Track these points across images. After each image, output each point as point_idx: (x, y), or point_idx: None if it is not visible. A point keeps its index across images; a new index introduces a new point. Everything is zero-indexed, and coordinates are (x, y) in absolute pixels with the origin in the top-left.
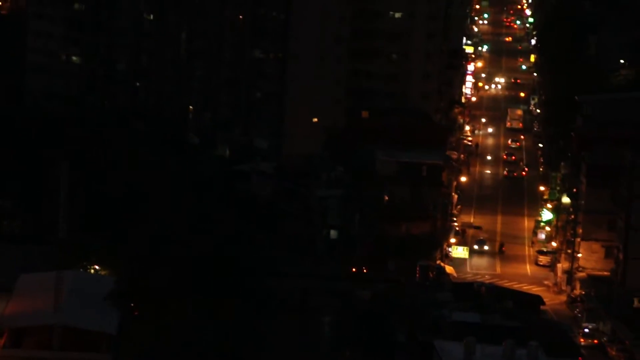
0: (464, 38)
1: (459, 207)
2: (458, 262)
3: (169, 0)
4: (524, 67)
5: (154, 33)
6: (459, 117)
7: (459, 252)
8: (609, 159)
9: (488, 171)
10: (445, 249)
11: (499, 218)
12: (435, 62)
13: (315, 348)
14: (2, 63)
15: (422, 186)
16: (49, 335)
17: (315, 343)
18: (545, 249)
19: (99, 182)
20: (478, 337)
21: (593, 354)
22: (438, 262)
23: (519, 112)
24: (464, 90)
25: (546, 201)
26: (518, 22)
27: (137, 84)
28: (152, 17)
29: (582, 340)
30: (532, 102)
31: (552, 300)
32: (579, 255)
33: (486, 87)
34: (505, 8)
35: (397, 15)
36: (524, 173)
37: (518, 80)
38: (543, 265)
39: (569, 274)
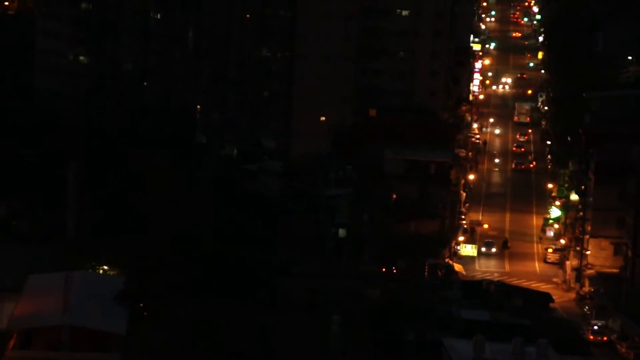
0: (471, 36)
1: (467, 205)
2: (467, 260)
3: None
4: (531, 64)
5: (161, 32)
6: (467, 114)
7: (468, 250)
8: (618, 156)
9: (496, 169)
10: (454, 247)
11: (508, 216)
12: (443, 60)
13: (325, 347)
14: (10, 63)
15: (430, 184)
16: (58, 336)
17: (324, 342)
18: (553, 247)
19: (106, 182)
20: (487, 335)
21: (602, 352)
22: (447, 260)
23: (527, 106)
24: (471, 87)
25: (554, 198)
26: (525, 19)
27: (145, 83)
28: (159, 16)
29: (591, 337)
30: (540, 99)
31: (561, 297)
32: (588, 252)
33: (494, 87)
34: (512, 5)
35: (404, 13)
36: (532, 165)
37: (524, 75)
38: (552, 263)
39: (578, 271)
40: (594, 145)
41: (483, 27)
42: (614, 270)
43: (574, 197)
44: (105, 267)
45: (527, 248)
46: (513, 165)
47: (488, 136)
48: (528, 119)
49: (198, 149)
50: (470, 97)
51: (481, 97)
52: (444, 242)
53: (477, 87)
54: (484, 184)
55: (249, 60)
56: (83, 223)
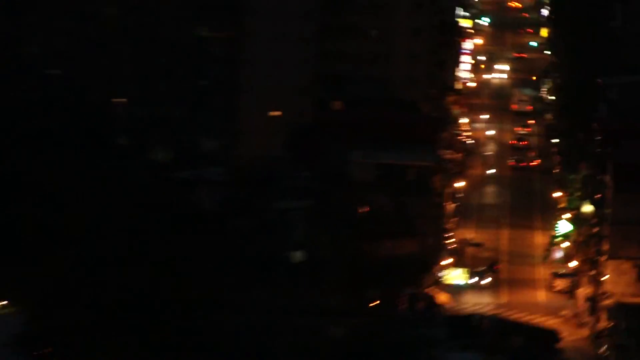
0: (459, 9)
1: (455, 219)
2: (454, 289)
3: None
4: (534, 43)
5: (73, 7)
6: (454, 107)
7: (455, 276)
8: None
9: (491, 174)
10: (438, 272)
11: (505, 232)
12: (424, 39)
13: None
14: None
15: (408, 194)
16: None
17: None
18: (562, 271)
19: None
20: None
21: None
22: (429, 289)
23: (529, 93)
24: (459, 73)
25: (563, 210)
26: None
27: (51, 72)
28: None
29: None
30: (544, 87)
31: (571, 335)
32: (605, 277)
33: (487, 73)
34: None
35: None
36: (534, 163)
37: (524, 55)
38: (560, 291)
39: (593, 301)
40: (612, 144)
41: None
42: (637, 300)
43: (587, 208)
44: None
45: (529, 273)
46: (512, 162)
47: (480, 133)
48: (530, 107)
49: (118, 152)
50: (459, 86)
51: (472, 85)
52: (426, 266)
53: (466, 72)
54: (475, 192)
55: (184, 41)
56: None
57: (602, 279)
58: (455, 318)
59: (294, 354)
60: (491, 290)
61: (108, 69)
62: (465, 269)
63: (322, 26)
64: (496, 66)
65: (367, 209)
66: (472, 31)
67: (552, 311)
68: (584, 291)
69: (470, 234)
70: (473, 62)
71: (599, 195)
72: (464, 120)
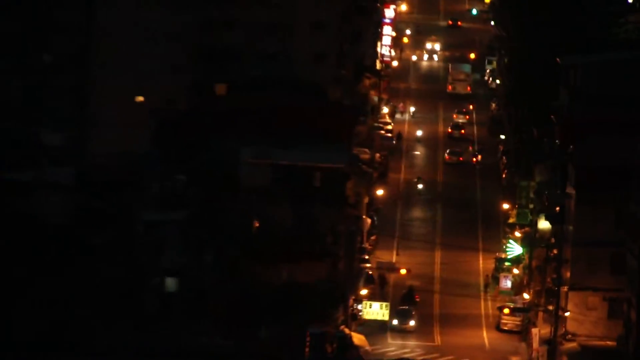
0: None
1: (373, 237)
2: (373, 328)
3: None
4: (474, 10)
5: None
6: (372, 92)
7: (374, 310)
8: (612, 157)
9: (419, 179)
10: (353, 305)
11: (438, 255)
12: (334, 4)
13: None
14: None
15: (313, 204)
16: None
17: None
18: (512, 305)
19: None
20: None
21: None
22: (341, 327)
23: (467, 70)
24: (379, 50)
25: (512, 227)
26: None
27: None
28: None
29: None
30: (489, 68)
31: None
32: (567, 314)
33: (413, 57)
34: None
35: None
36: (475, 160)
37: (459, 23)
38: (509, 331)
39: (551, 344)
40: (575, 141)
41: None
42: (609, 343)
43: (543, 224)
44: None
45: (470, 307)
46: (446, 157)
47: (406, 126)
48: (468, 88)
49: None
50: (378, 65)
51: (395, 64)
52: (337, 298)
53: (388, 48)
54: (400, 203)
55: (19, 4)
56: None
57: (564, 315)
58: None
59: None
60: (420, 329)
61: None
62: (387, 303)
63: None
64: (426, 40)
65: (260, 223)
66: None
67: (500, 356)
68: (539, 331)
69: (392, 257)
70: (396, 34)
71: (558, 208)
72: (385, 110)
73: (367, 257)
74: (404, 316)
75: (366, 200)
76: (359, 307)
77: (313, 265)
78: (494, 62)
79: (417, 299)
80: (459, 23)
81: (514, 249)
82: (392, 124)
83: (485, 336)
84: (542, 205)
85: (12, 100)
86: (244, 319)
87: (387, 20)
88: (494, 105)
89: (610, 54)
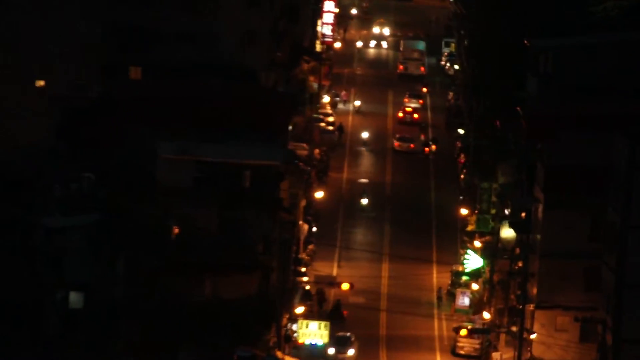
0: None
1: (311, 246)
2: (309, 352)
3: None
4: None
5: None
6: (311, 78)
7: (312, 331)
8: (587, 155)
9: (364, 180)
10: (287, 325)
11: (386, 268)
12: None
13: None
14: None
15: (242, 208)
16: None
17: None
18: (470, 325)
19: None
20: None
21: None
22: (273, 350)
23: (420, 49)
24: (319, 29)
25: (471, 235)
26: None
27: None
28: None
29: None
30: (446, 51)
31: None
32: (533, 336)
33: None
34: None
35: None
36: (428, 150)
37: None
38: (466, 356)
39: None
40: (544, 137)
41: None
42: None
43: (506, 233)
44: None
45: (422, 328)
46: (395, 144)
47: (350, 118)
48: (422, 68)
49: None
50: (318, 47)
51: (338, 45)
52: (268, 316)
53: (329, 27)
54: (341, 207)
55: None
56: None
57: (529, 338)
58: None
59: None
60: (364, 352)
61: None
62: (326, 322)
63: None
64: (374, 23)
65: (181, 229)
66: None
67: None
68: (501, 356)
69: (333, 270)
70: (338, 11)
71: (523, 214)
72: (326, 99)
73: (303, 269)
74: (341, 344)
75: (303, 203)
76: (294, 327)
77: (241, 278)
78: (452, 45)
79: (345, 314)
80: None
81: (473, 261)
82: (334, 115)
83: None
84: (506, 210)
85: None
86: (161, 340)
87: None
88: (451, 94)
89: (586, 36)
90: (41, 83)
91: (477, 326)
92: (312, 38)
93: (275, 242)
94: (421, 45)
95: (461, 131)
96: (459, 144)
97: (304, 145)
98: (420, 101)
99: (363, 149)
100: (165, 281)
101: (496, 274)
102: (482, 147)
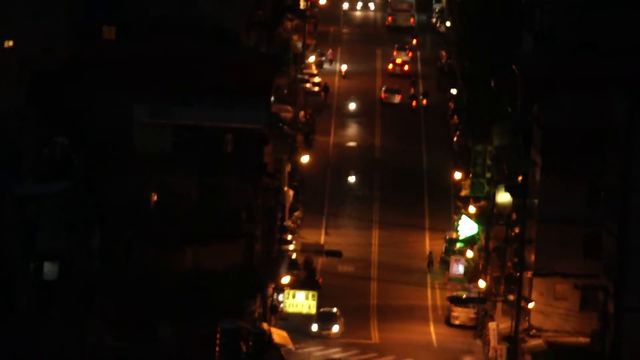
0: None
1: (297, 213)
2: (298, 322)
3: None
4: None
5: None
6: (295, 37)
7: (299, 301)
8: (586, 116)
9: (352, 143)
10: (273, 296)
11: (376, 235)
12: None
13: None
14: None
15: (224, 174)
16: None
17: None
18: (464, 294)
19: None
20: None
21: None
22: (259, 322)
23: (409, 0)
24: None
25: (466, 201)
26: None
27: None
28: None
29: None
30: (437, 7)
31: None
32: (531, 305)
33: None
34: None
35: None
36: (416, 103)
37: None
38: (461, 326)
39: (512, 341)
40: (541, 98)
41: None
42: (581, 340)
43: (502, 197)
44: None
45: (414, 297)
46: (382, 96)
47: (336, 79)
48: (412, 20)
49: None
50: (302, 4)
51: (323, 2)
52: (253, 287)
53: None
54: (328, 171)
55: None
56: None
57: (527, 307)
58: None
59: None
60: (354, 323)
61: None
62: (314, 292)
63: None
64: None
65: (159, 197)
66: None
67: (451, 356)
68: (497, 326)
69: (321, 237)
70: None
71: (520, 178)
72: (311, 59)
73: (289, 237)
74: (325, 320)
75: (288, 168)
76: (280, 297)
77: (224, 248)
78: (443, 1)
79: (320, 282)
80: None
81: (468, 228)
82: (320, 75)
83: (433, 332)
84: (501, 174)
85: None
86: (140, 314)
87: None
88: (443, 53)
89: None
90: (9, 44)
91: (472, 295)
92: None
93: (259, 209)
94: None
95: (454, 91)
96: (451, 105)
97: (289, 107)
98: (410, 53)
99: (350, 120)
100: (143, 252)
101: (492, 241)
102: (475, 108)
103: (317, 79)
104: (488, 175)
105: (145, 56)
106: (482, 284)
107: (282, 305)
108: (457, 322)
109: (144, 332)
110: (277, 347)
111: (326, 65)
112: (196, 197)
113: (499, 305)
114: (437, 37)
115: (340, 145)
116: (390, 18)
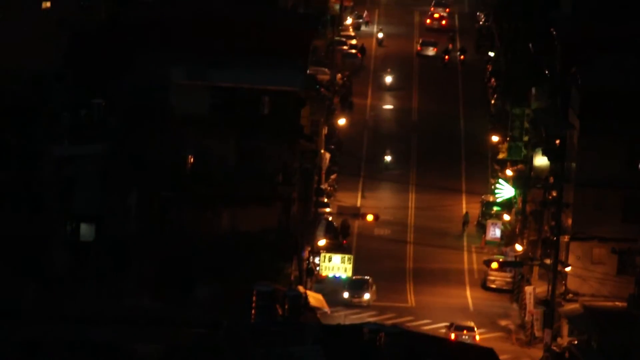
0: None
1: (333, 176)
2: (333, 286)
3: None
4: None
5: None
6: (332, 0)
7: (335, 264)
8: (625, 79)
9: (389, 106)
10: (309, 259)
11: (412, 198)
12: None
13: None
14: None
15: (261, 136)
16: None
17: None
18: (501, 258)
19: None
20: None
21: None
22: (294, 286)
23: None
24: None
25: (503, 164)
26: None
27: None
28: None
29: None
30: None
31: (516, 357)
32: (568, 269)
33: None
34: None
35: None
36: (448, 57)
37: None
38: (497, 290)
39: (549, 305)
40: (579, 60)
41: None
42: (617, 304)
43: (540, 161)
44: None
45: (451, 261)
46: (418, 48)
47: (374, 41)
48: None
49: None
50: None
51: None
52: (289, 249)
53: None
54: (365, 133)
55: None
56: None
57: (564, 270)
58: (334, 330)
59: None
60: (390, 287)
61: None
62: (350, 255)
63: None
64: None
65: (196, 159)
66: None
67: (487, 320)
68: (534, 290)
69: (357, 201)
70: None
71: (558, 142)
72: (348, 21)
73: (326, 200)
74: (356, 288)
75: (325, 131)
76: (316, 260)
77: (260, 210)
78: None
79: (344, 243)
80: None
81: (505, 191)
82: (357, 37)
83: (469, 295)
84: (539, 137)
85: None
86: (177, 275)
87: None
88: (481, 15)
89: None
90: (47, 5)
91: (509, 259)
92: None
93: (295, 172)
94: None
95: (492, 54)
96: (489, 68)
97: (326, 69)
98: (447, 9)
99: (388, 82)
100: (180, 213)
101: (529, 204)
102: (514, 71)
103: (354, 41)
104: (525, 138)
105: (182, 17)
106: (518, 247)
107: (318, 268)
108: (493, 286)
109: (180, 294)
110: (313, 309)
111: (363, 27)
112: (233, 159)
113: (536, 269)
114: (473, 3)
115: (378, 106)
116: None
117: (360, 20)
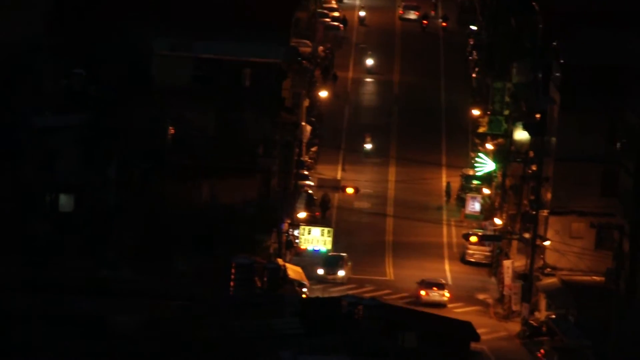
0: None
1: (314, 149)
2: (312, 259)
3: None
4: None
5: None
6: None
7: (314, 237)
8: (606, 53)
9: (369, 78)
10: (288, 231)
11: (392, 171)
12: None
13: None
14: None
15: (242, 108)
16: None
17: None
18: (480, 232)
19: None
20: None
21: None
22: (275, 259)
23: None
24: None
25: (483, 137)
26: None
27: None
28: None
29: None
30: None
31: (493, 330)
32: (546, 243)
33: None
34: None
35: None
36: (426, 22)
37: None
38: (476, 263)
39: (526, 279)
40: (561, 34)
41: None
42: (595, 279)
43: (520, 135)
44: None
45: (430, 234)
46: (399, 12)
47: (355, 13)
48: None
49: None
50: None
51: None
52: (269, 222)
53: None
54: (347, 107)
55: None
56: None
57: (542, 244)
58: (314, 302)
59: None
60: (369, 260)
61: None
62: (329, 228)
63: None
64: None
65: (177, 130)
66: None
67: (465, 293)
68: (512, 264)
69: (337, 173)
70: None
71: (538, 116)
72: None
73: (306, 172)
74: (331, 264)
75: (306, 103)
76: (296, 233)
77: (240, 182)
78: None
79: (317, 215)
80: None
81: (485, 165)
82: (340, 10)
83: (448, 269)
84: (520, 111)
85: None
86: (156, 247)
87: None
88: None
89: None
90: None
91: (488, 233)
92: None
93: (276, 144)
94: None
95: (473, 28)
96: (471, 42)
97: (307, 42)
98: None
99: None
100: (160, 184)
101: (509, 178)
102: (495, 44)
103: (336, 13)
104: (506, 112)
105: None
106: (498, 221)
107: (297, 241)
108: (472, 260)
109: (160, 264)
110: (292, 282)
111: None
112: (214, 131)
113: (515, 243)
114: None
115: (359, 79)
116: None
117: None
